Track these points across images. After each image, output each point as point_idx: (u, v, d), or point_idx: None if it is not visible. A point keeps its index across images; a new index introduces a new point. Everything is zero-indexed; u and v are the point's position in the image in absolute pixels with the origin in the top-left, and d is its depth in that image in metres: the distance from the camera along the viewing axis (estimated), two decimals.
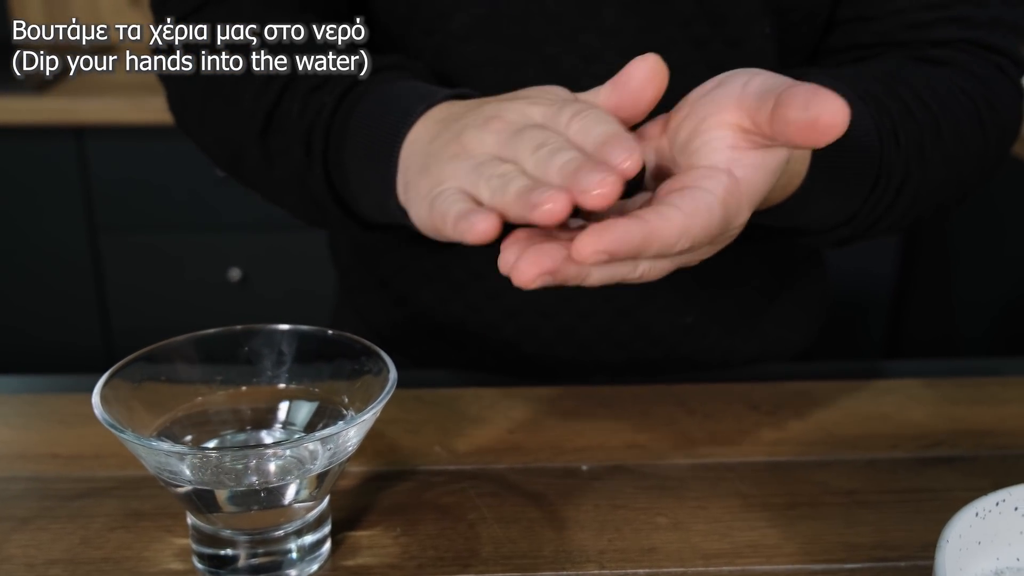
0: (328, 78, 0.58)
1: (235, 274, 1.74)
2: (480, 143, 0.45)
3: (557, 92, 0.46)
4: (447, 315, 0.74)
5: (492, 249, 0.70)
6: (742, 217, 0.42)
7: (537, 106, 0.45)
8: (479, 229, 0.40)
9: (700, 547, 0.50)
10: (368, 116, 0.54)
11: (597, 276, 0.41)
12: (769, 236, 0.62)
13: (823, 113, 0.38)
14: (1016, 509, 0.46)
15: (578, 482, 0.55)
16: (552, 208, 0.38)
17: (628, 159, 0.39)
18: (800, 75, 0.59)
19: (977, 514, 0.45)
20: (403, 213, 0.51)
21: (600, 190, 0.38)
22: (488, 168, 0.43)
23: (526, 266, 0.39)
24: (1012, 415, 0.63)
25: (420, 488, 0.54)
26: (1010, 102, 0.65)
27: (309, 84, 0.58)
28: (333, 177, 0.58)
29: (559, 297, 0.71)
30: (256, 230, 1.71)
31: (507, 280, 0.72)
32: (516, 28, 0.64)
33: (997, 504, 0.45)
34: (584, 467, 0.57)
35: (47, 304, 1.76)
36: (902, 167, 0.58)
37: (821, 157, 0.53)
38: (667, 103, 0.65)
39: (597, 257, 0.38)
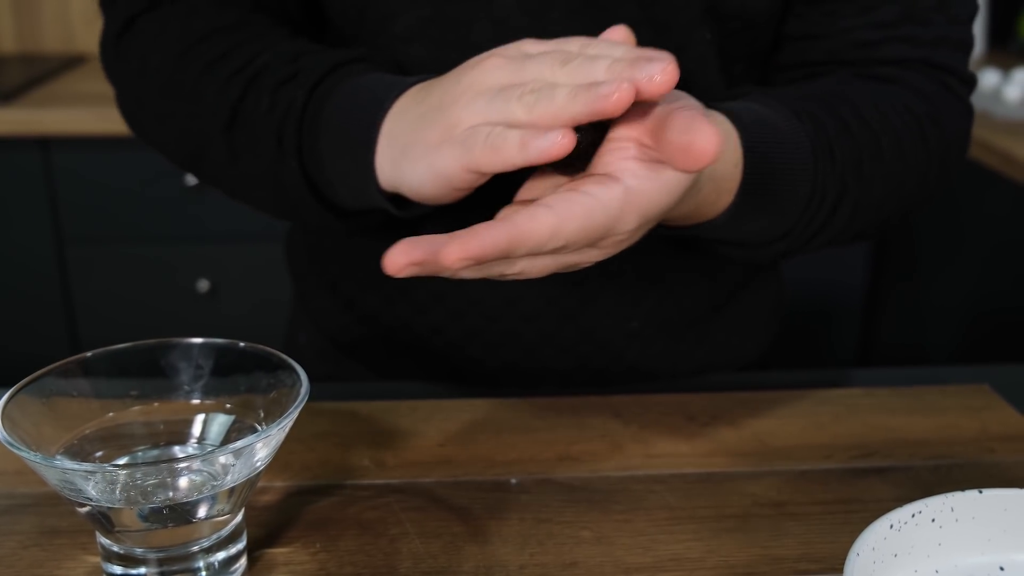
0: (296, 72, 0.57)
1: (203, 285, 1.73)
2: (488, 77, 0.44)
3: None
4: (394, 317, 0.73)
5: None
6: (628, 224, 0.42)
7: (531, 44, 0.45)
8: (560, 142, 0.40)
9: (622, 561, 0.49)
10: (342, 107, 0.54)
11: (469, 272, 0.42)
12: (707, 249, 0.62)
13: (696, 140, 0.39)
14: (933, 520, 0.46)
15: (506, 496, 0.55)
16: (621, 96, 0.38)
17: (671, 61, 0.39)
18: (742, 94, 0.59)
19: (892, 526, 0.44)
20: (383, 196, 0.52)
21: (663, 76, 0.38)
22: (513, 91, 0.42)
23: (396, 254, 0.41)
24: (948, 424, 0.62)
25: (344, 503, 0.54)
26: (956, 119, 0.66)
27: (276, 78, 0.57)
28: (309, 169, 0.57)
29: (503, 300, 0.71)
30: (224, 241, 1.70)
31: (453, 282, 0.72)
32: (461, 31, 0.64)
33: (913, 516, 0.45)
34: (513, 480, 0.56)
35: (14, 315, 1.74)
36: (838, 184, 0.58)
37: (752, 174, 0.53)
38: None
39: (463, 263, 0.40)
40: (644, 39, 0.64)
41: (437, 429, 0.61)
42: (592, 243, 0.42)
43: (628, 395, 0.65)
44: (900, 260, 1.77)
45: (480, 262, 0.40)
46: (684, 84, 0.65)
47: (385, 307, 0.74)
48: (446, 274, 0.42)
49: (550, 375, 0.73)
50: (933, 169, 0.64)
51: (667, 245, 0.70)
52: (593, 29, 0.64)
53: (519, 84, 0.42)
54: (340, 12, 0.67)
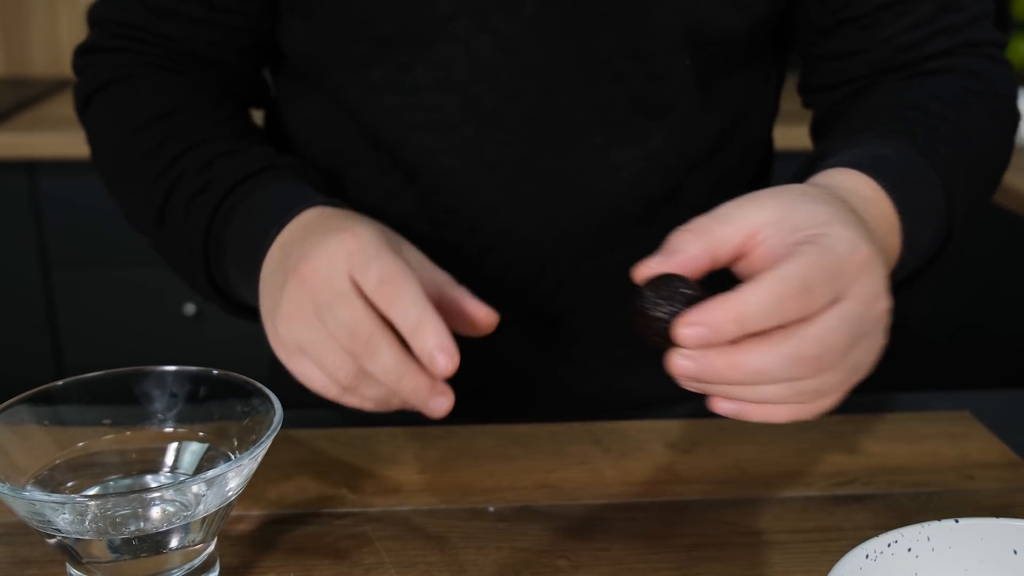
0: (207, 184, 0.61)
1: (189, 308, 1.72)
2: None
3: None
4: None
5: None
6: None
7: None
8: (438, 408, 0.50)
9: None
10: (236, 238, 0.58)
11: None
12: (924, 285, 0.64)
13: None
14: (910, 550, 0.45)
15: (483, 524, 0.54)
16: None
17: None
18: (822, 153, 0.58)
19: (868, 556, 0.44)
20: None
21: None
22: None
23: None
24: (928, 451, 0.62)
25: (320, 531, 0.53)
26: (1008, 84, 0.67)
27: (190, 189, 0.61)
28: (218, 281, 0.61)
29: (492, 335, 0.70)
30: None
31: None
32: (439, 74, 0.64)
33: (889, 545, 0.45)
34: (491, 508, 0.56)
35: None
36: (955, 159, 0.59)
37: (888, 179, 0.53)
38: (590, 141, 0.65)
39: (693, 336, 0.43)
40: (622, 69, 0.64)
41: (415, 456, 0.61)
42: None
43: (609, 422, 0.65)
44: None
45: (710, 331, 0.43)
46: (662, 110, 0.66)
47: None
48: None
49: (538, 407, 0.72)
50: (1008, 135, 0.65)
51: None
52: (571, 62, 0.64)
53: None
54: (303, 62, 0.68)
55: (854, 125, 0.62)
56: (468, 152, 0.65)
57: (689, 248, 0.46)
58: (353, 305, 0.47)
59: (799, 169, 0.59)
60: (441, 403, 0.49)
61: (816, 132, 0.72)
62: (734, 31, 0.64)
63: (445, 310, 0.53)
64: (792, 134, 1.68)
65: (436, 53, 0.63)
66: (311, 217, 0.54)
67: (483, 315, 0.54)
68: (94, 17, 0.71)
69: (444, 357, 0.47)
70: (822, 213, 0.46)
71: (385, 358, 0.47)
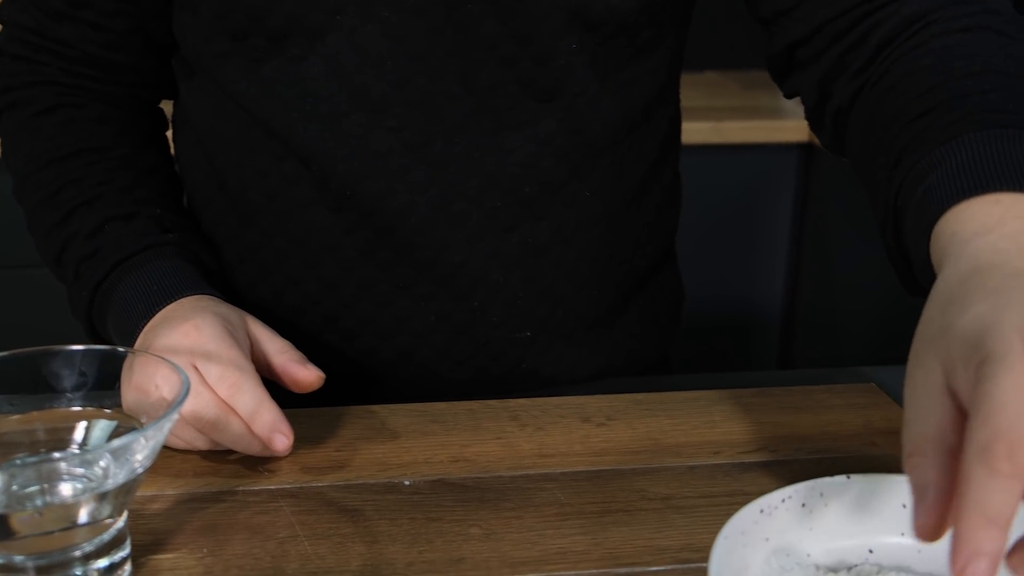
0: (96, 251, 0.67)
1: None
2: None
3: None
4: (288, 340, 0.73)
5: (329, 273, 0.72)
6: None
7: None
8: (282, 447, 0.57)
9: (509, 555, 0.50)
10: (114, 315, 0.66)
11: None
12: None
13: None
14: (804, 505, 0.47)
15: (398, 497, 0.55)
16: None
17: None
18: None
19: (762, 511, 0.46)
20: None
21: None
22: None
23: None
24: (833, 421, 0.64)
25: (235, 508, 0.54)
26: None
27: (80, 253, 0.67)
28: (101, 335, 0.69)
29: (394, 320, 0.71)
30: None
31: (343, 304, 0.73)
32: (329, 64, 0.65)
33: (783, 500, 0.46)
34: (407, 482, 0.57)
35: None
36: None
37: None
38: (479, 125, 0.67)
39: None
40: (507, 53, 0.65)
41: (334, 435, 0.62)
42: None
43: (526, 399, 0.66)
44: (816, 273, 1.81)
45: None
46: (551, 93, 0.67)
47: (278, 331, 0.74)
48: None
49: (450, 388, 0.73)
50: None
51: (552, 252, 0.71)
52: (455, 48, 0.65)
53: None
54: (195, 57, 0.70)
55: (932, 122, 0.53)
56: (358, 140, 0.66)
57: (928, 476, 0.40)
58: (198, 392, 0.55)
59: (893, 194, 0.53)
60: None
61: (834, 122, 0.64)
62: (623, 11, 0.65)
63: (278, 375, 0.61)
64: (725, 128, 1.72)
65: (327, 44, 0.64)
66: (174, 307, 0.62)
67: (303, 376, 0.60)
68: (0, 17, 0.73)
69: (280, 437, 0.56)
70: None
71: (231, 432, 0.56)
